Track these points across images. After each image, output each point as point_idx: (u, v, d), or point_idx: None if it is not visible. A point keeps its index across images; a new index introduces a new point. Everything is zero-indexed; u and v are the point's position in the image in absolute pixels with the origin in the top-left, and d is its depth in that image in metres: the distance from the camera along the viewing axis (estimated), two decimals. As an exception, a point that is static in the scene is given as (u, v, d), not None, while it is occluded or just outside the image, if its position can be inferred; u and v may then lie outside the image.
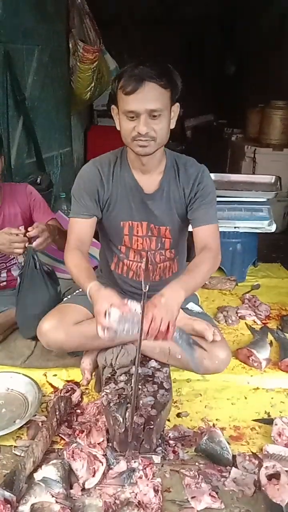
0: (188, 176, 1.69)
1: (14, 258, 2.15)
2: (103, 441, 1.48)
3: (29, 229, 1.87)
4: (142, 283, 1.16)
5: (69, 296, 1.95)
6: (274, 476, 1.36)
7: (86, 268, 1.60)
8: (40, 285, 1.95)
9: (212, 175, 2.99)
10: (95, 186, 1.68)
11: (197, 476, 1.40)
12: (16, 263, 2.17)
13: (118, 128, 1.59)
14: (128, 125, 1.51)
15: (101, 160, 1.72)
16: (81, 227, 1.69)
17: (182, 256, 1.92)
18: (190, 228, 1.81)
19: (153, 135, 1.51)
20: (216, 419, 1.69)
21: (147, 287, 1.17)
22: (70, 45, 3.62)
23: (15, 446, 1.53)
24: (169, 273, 1.87)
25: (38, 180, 3.05)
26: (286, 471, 1.38)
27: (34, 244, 1.87)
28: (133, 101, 1.46)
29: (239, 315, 2.42)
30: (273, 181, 3.05)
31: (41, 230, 1.87)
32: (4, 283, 2.17)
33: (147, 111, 1.46)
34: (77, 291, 1.92)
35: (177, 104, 1.57)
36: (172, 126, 1.59)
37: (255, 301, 2.56)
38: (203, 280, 1.61)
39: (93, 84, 3.88)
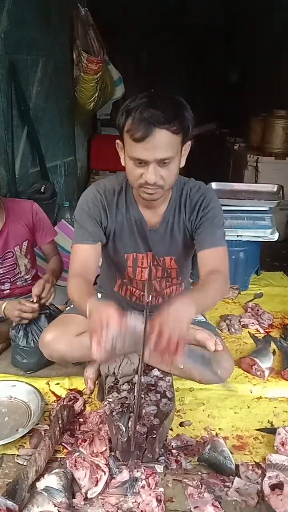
0: (192, 204, 1.61)
1: (18, 272, 2.17)
2: (105, 450, 1.48)
3: (42, 296, 1.93)
4: (145, 293, 1.16)
5: (71, 306, 1.95)
6: (277, 486, 1.36)
7: (88, 290, 1.46)
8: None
9: (214, 184, 3.06)
10: (99, 212, 1.59)
11: (200, 485, 1.40)
12: (20, 276, 2.19)
13: (122, 163, 1.48)
14: (135, 171, 1.42)
15: (105, 188, 1.61)
16: (86, 254, 1.59)
17: (187, 273, 1.88)
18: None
19: (161, 184, 1.42)
20: (219, 429, 1.69)
21: (150, 297, 1.16)
22: (74, 56, 3.67)
23: (17, 455, 1.53)
24: (174, 292, 1.86)
25: (42, 189, 3.07)
26: (289, 481, 1.37)
27: (43, 301, 1.95)
28: (141, 149, 1.35)
29: (242, 323, 2.42)
30: (275, 189, 3.06)
31: (48, 288, 1.94)
32: (8, 291, 2.18)
33: (156, 161, 1.37)
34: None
35: (189, 142, 1.46)
36: (182, 165, 1.48)
37: (258, 310, 2.56)
38: (213, 300, 1.46)
39: (96, 94, 3.92)
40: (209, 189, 1.66)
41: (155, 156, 1.35)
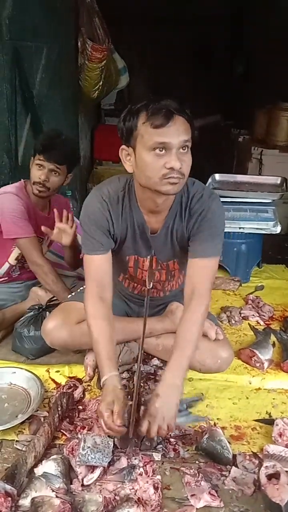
0: (192, 213, 1.57)
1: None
2: (104, 437, 1.49)
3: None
4: (147, 280, 1.17)
5: (73, 293, 1.95)
6: (274, 476, 1.36)
7: (109, 341, 1.51)
8: None
9: (218, 176, 3.04)
10: (106, 221, 1.57)
11: (197, 474, 1.41)
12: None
13: (129, 170, 1.47)
14: (157, 163, 1.37)
15: (109, 195, 1.57)
16: (99, 266, 1.59)
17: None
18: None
19: (183, 171, 1.39)
20: (217, 418, 1.70)
21: (151, 285, 1.17)
22: (79, 44, 3.62)
23: (16, 441, 1.54)
24: (175, 286, 1.86)
25: (45, 178, 3.05)
26: (286, 471, 1.38)
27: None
28: (166, 133, 1.34)
29: (242, 315, 2.42)
30: (278, 182, 3.04)
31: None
32: (18, 273, 2.20)
33: (180, 143, 1.35)
34: (81, 288, 1.92)
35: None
36: None
37: (258, 302, 2.56)
38: (195, 348, 1.51)
39: (101, 83, 3.89)
40: (212, 197, 1.58)
41: (180, 138, 1.35)
